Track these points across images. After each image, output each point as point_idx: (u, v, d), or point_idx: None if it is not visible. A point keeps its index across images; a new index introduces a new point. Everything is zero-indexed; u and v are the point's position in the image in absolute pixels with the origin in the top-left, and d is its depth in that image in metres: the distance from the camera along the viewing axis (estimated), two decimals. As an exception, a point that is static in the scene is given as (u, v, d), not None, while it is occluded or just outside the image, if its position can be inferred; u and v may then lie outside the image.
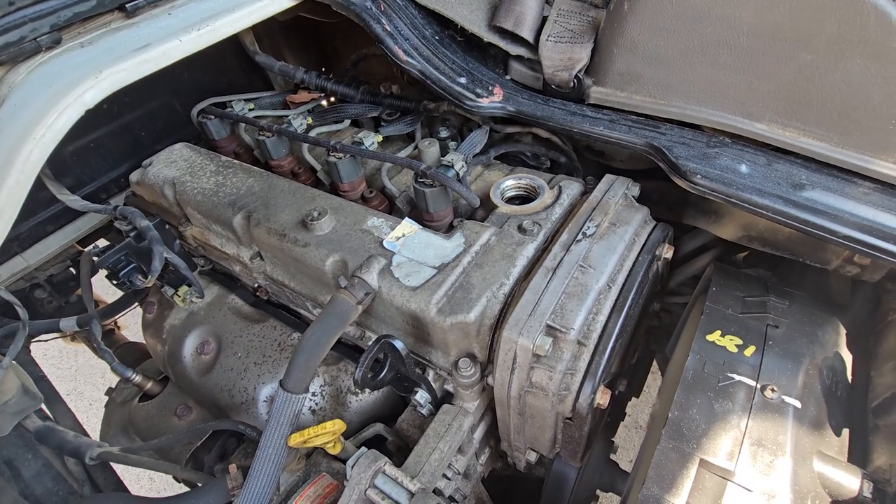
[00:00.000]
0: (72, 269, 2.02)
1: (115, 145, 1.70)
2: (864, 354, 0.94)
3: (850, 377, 0.89)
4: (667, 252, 1.07)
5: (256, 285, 1.36)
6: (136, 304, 1.93)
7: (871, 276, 0.97)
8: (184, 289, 1.27)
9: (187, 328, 1.35)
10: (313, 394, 1.16)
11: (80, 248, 1.93)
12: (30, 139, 0.80)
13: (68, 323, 1.52)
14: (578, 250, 0.91)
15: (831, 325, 0.92)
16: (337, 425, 0.87)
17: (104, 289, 2.32)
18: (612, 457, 1.31)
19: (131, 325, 3.01)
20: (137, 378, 1.47)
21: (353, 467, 0.86)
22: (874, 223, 0.83)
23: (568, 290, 0.86)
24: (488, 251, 0.96)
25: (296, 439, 0.85)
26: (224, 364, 1.27)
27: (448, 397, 1.00)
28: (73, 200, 1.24)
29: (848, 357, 0.91)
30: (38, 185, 1.46)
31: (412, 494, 0.82)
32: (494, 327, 0.88)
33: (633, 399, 1.62)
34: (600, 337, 0.84)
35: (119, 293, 1.84)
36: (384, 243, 0.99)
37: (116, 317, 1.96)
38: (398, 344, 0.85)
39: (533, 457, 1.03)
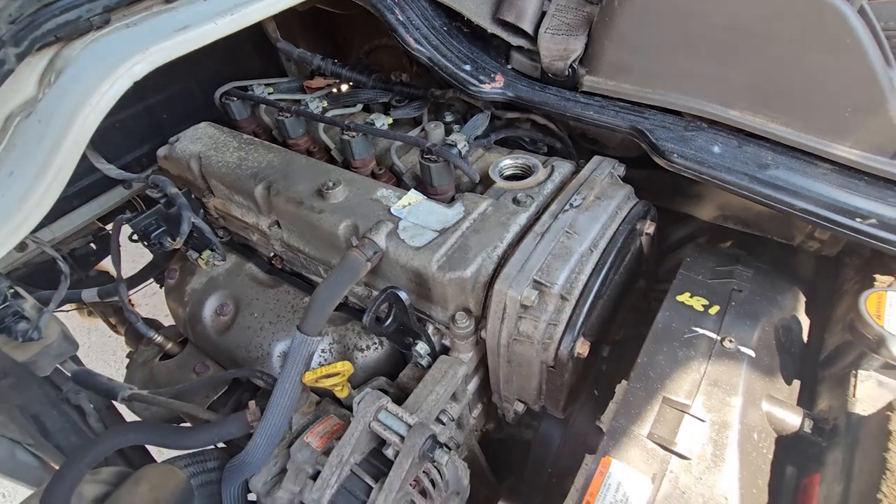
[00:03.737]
0: (92, 244, 2.15)
1: (138, 126, 1.82)
2: (822, 322, 1.04)
3: (805, 338, 0.99)
4: (648, 228, 1.18)
5: (272, 254, 1.48)
6: (152, 279, 2.07)
7: (830, 250, 1.07)
8: (207, 252, 1.38)
9: (207, 291, 1.47)
10: (323, 350, 1.27)
11: (101, 225, 2.06)
12: (87, 105, 0.91)
13: (90, 293, 1.64)
14: (565, 218, 1.02)
15: (791, 291, 1.02)
16: (346, 366, 0.99)
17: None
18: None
19: (142, 305, 3.15)
20: (159, 338, 1.59)
21: (359, 403, 0.97)
22: (829, 198, 0.93)
23: (554, 252, 0.97)
24: (485, 219, 1.07)
25: (309, 377, 0.96)
26: (241, 323, 1.38)
27: (445, 351, 1.11)
28: (110, 169, 1.36)
29: (805, 321, 1.01)
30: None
31: (410, 427, 0.93)
32: (488, 284, 0.99)
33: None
34: (581, 293, 0.95)
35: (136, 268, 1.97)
36: (391, 210, 1.10)
37: (136, 290, 2.09)
38: (402, 295, 0.96)
39: (521, 407, 1.14)
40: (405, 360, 1.27)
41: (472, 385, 1.16)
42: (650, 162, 1.12)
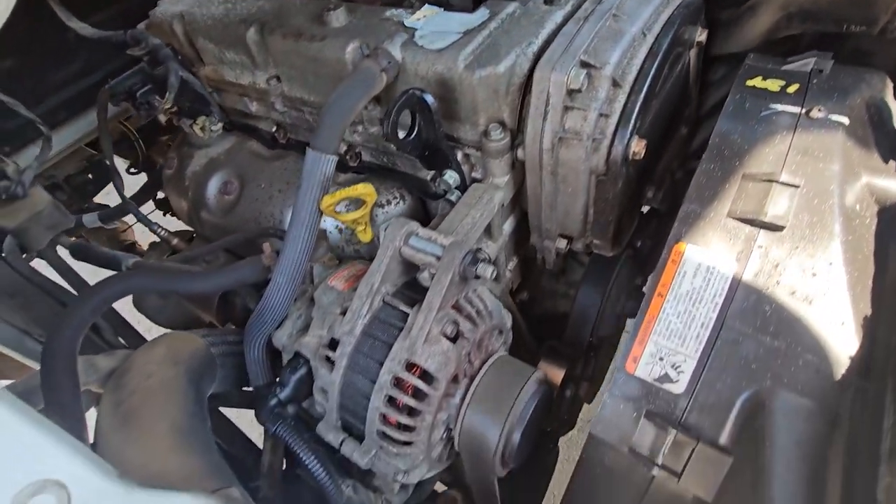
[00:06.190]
0: (89, 174, 2.03)
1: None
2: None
3: (896, 124, 0.85)
4: (700, 35, 1.02)
5: (274, 129, 1.35)
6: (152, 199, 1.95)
7: (923, 26, 0.91)
8: (202, 118, 1.26)
9: (209, 172, 1.35)
10: (339, 214, 1.15)
11: (94, 152, 1.94)
12: None
13: (91, 218, 1.53)
14: (611, 1, 0.86)
15: (878, 74, 0.87)
16: (368, 189, 0.87)
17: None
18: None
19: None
20: (164, 233, 1.49)
21: (385, 230, 0.86)
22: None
23: (601, 34, 0.82)
24: (514, 20, 0.92)
25: (328, 201, 0.85)
26: (248, 196, 1.27)
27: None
28: (83, 27, 1.21)
29: (895, 106, 0.87)
30: (49, 67, 1.42)
31: (445, 248, 0.82)
32: (524, 87, 0.86)
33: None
34: (636, 79, 0.81)
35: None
36: (406, 23, 0.96)
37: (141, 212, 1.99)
38: (428, 97, 0.82)
39: (563, 244, 1.02)
40: (430, 216, 1.15)
41: (508, 225, 1.04)
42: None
